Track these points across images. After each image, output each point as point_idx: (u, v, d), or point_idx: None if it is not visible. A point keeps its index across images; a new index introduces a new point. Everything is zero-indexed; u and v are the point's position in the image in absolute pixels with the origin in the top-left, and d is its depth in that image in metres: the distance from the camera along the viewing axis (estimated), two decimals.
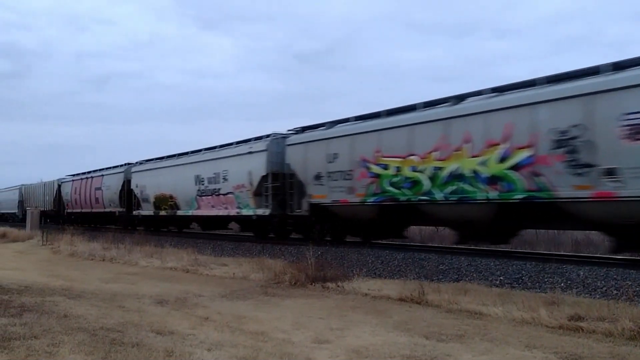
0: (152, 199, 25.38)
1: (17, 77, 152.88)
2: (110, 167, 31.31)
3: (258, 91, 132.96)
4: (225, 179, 19.71)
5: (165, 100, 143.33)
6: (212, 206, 20.73)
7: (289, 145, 17.42)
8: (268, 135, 18.43)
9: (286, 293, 10.16)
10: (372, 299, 9.42)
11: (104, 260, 17.39)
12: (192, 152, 23.26)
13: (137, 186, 26.85)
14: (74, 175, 37.18)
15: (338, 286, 10.53)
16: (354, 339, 6.43)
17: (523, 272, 10.14)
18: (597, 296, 8.50)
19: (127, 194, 28.06)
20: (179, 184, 22.96)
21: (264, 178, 17.69)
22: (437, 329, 6.97)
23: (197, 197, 21.59)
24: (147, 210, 26.12)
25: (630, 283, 8.54)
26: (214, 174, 20.41)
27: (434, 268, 11.29)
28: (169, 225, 26.65)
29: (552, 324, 7.07)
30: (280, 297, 9.66)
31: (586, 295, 8.63)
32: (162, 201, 24.47)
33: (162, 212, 24.68)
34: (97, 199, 31.49)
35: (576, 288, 8.97)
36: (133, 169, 27.86)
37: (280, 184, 17.36)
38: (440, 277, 10.83)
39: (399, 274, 11.50)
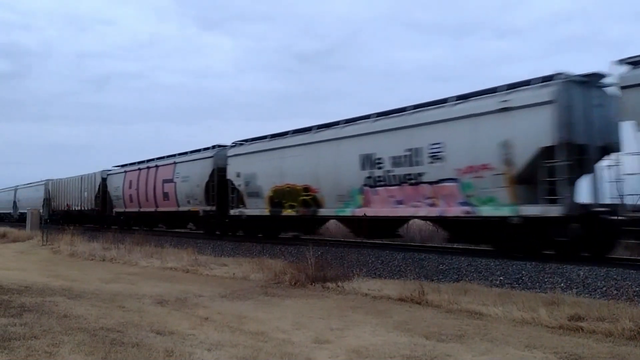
0: (266, 193, 17.84)
1: (17, 77, 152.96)
2: (188, 152, 23.38)
3: (258, 91, 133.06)
4: (435, 158, 12.49)
5: (166, 101, 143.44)
6: (399, 202, 13.51)
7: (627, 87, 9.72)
8: (549, 78, 10.83)
9: (286, 293, 10.17)
10: (372, 299, 9.43)
11: (104, 260, 17.40)
12: (350, 120, 15.37)
13: (238, 175, 19.18)
14: (124, 165, 29.45)
15: (338, 286, 10.54)
16: (354, 339, 6.44)
17: (523, 272, 10.14)
18: (597, 296, 8.51)
19: (218, 186, 20.43)
20: (324, 169, 15.60)
21: (544, 152, 10.62)
22: (437, 329, 6.98)
23: (366, 187, 14.19)
24: (255, 209, 18.52)
25: (630, 283, 8.55)
26: (407, 150, 13.08)
27: (434, 268, 11.29)
28: (291, 230, 19.34)
29: (552, 324, 7.07)
30: (280, 297, 9.67)
31: (586, 295, 8.63)
32: (287, 196, 17.04)
33: (288, 212, 17.09)
34: (165, 195, 23.57)
35: (576, 288, 8.97)
36: (231, 152, 20.02)
37: (574, 161, 10.51)
38: (440, 277, 10.83)
39: (399, 274, 11.50)
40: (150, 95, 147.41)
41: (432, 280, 10.34)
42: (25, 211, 42.80)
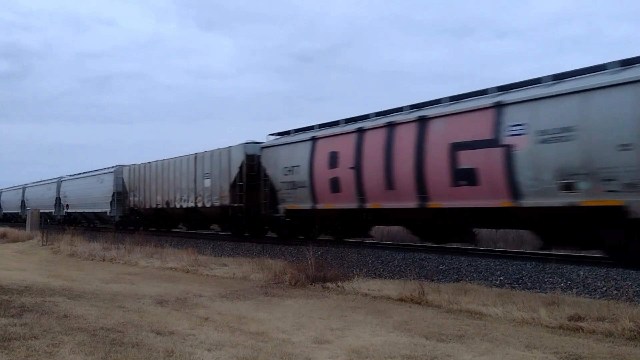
0: None
1: (17, 77, 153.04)
2: (519, 85, 11.73)
3: (259, 91, 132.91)
4: None
5: (166, 101, 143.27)
6: None
7: None
8: None
9: (286, 293, 10.17)
10: (372, 299, 9.43)
11: (104, 260, 17.40)
12: None
13: None
14: (301, 129, 17.59)
15: (338, 286, 10.54)
16: (354, 339, 6.44)
17: (523, 272, 10.15)
18: (597, 296, 8.51)
19: None
20: None
21: None
22: (437, 329, 6.98)
23: None
24: None
25: (630, 283, 8.55)
26: None
27: (434, 268, 11.30)
28: None
29: (552, 324, 7.07)
30: (280, 297, 9.67)
31: (586, 295, 8.64)
32: None
33: None
34: (462, 174, 11.97)
35: (576, 288, 8.97)
36: None
37: None
38: (440, 277, 10.84)
39: (399, 274, 11.50)
40: (151, 96, 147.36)
41: (432, 280, 10.34)
42: (74, 211, 33.94)
